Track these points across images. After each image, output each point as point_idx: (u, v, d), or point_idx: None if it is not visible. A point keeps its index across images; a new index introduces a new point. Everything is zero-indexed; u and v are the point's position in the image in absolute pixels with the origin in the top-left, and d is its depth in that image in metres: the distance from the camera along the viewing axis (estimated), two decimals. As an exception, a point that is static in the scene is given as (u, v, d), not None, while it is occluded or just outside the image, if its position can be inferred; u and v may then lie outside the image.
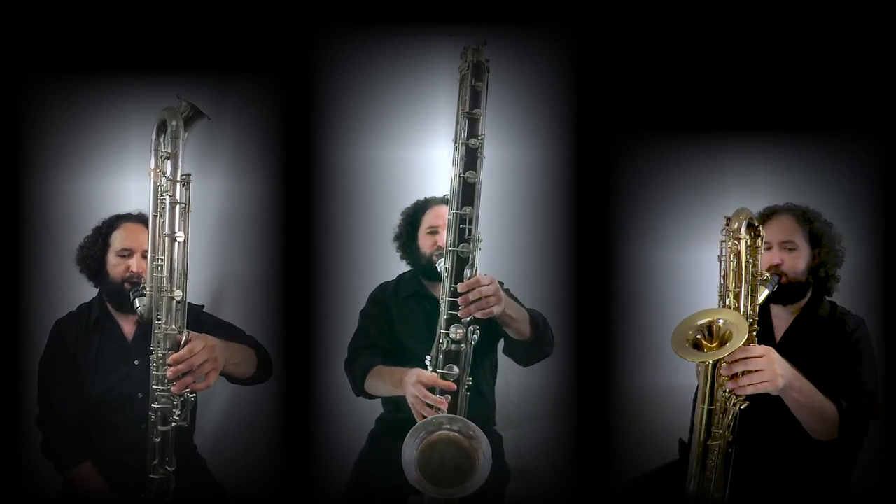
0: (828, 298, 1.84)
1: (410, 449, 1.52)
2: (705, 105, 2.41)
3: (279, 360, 2.47)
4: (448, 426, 1.55)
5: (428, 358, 1.63)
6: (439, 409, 1.58)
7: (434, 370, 1.61)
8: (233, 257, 2.71)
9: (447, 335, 1.59)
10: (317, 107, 2.57)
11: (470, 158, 1.55)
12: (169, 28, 2.34)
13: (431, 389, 1.60)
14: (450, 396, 1.60)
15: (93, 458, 1.86)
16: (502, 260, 2.63)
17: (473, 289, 1.55)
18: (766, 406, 1.62)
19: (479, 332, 1.60)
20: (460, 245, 1.57)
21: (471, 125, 1.55)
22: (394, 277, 2.18)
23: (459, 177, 1.56)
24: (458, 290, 1.56)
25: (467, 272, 1.57)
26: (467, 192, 1.56)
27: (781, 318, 1.86)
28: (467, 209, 1.56)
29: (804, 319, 1.82)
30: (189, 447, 2.01)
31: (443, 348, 1.60)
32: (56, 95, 2.45)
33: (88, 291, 2.00)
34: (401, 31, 2.50)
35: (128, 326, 1.93)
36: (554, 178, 2.64)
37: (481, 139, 1.55)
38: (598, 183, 2.49)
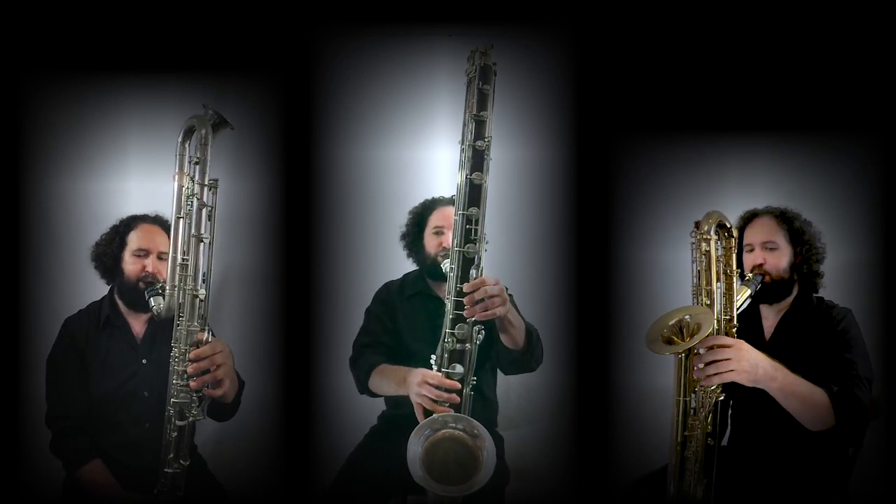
0: (815, 295, 1.87)
1: (415, 447, 1.53)
2: (705, 105, 2.41)
3: (280, 361, 2.47)
4: (454, 425, 1.57)
5: (433, 357, 1.64)
6: (450, 408, 1.60)
7: (439, 369, 1.63)
8: (232, 257, 2.71)
9: (452, 334, 1.60)
10: (317, 107, 2.57)
11: (477, 160, 1.58)
12: (169, 28, 2.34)
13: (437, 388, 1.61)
14: (455, 395, 1.61)
15: (97, 456, 1.86)
16: (502, 260, 2.63)
17: (479, 289, 1.57)
18: (764, 405, 1.63)
19: (483, 331, 1.61)
20: (466, 246, 1.58)
21: (478, 127, 1.58)
22: (395, 277, 2.18)
23: (466, 178, 1.58)
24: (464, 290, 1.58)
25: (473, 273, 1.59)
26: (474, 193, 1.58)
27: (770, 317, 1.89)
28: (473, 210, 1.58)
29: (791, 316, 1.85)
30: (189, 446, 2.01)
31: (448, 347, 1.61)
32: (56, 95, 2.45)
33: (89, 290, 2.01)
34: (401, 31, 2.50)
35: (137, 325, 1.95)
36: (554, 178, 2.64)
37: (488, 141, 1.58)
38: (598, 183, 2.49)
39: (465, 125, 1.59)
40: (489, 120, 1.58)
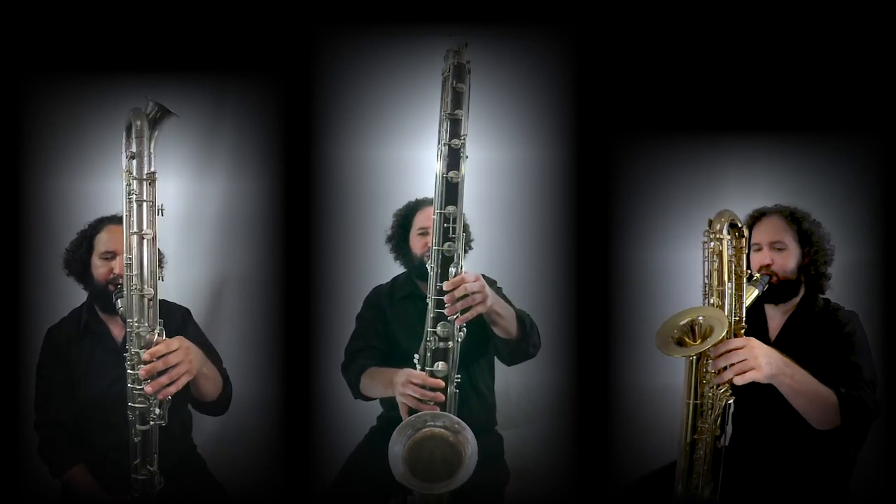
0: (821, 296, 1.86)
1: (398, 447, 1.55)
2: (705, 105, 2.41)
3: (279, 361, 2.47)
4: (433, 423, 1.57)
5: (416, 356, 1.65)
6: (436, 406, 1.60)
7: (422, 368, 1.63)
8: (232, 257, 2.71)
9: (434, 333, 1.61)
10: (317, 107, 2.57)
11: (453, 159, 1.58)
12: (169, 28, 2.34)
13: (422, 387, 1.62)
14: (440, 394, 1.61)
15: (90, 460, 1.87)
16: (503, 260, 2.64)
17: (458, 286, 1.57)
18: (765, 405, 1.63)
19: (465, 329, 1.62)
20: (445, 244, 1.59)
21: (453, 126, 1.58)
22: (391, 278, 2.18)
23: (443, 177, 1.58)
24: (444, 289, 1.58)
25: (452, 271, 1.59)
26: (450, 191, 1.59)
27: (775, 318, 1.88)
28: (451, 209, 1.58)
29: (798, 317, 1.84)
30: (189, 446, 2.01)
31: (431, 346, 1.62)
32: (56, 95, 2.45)
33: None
34: (401, 31, 2.49)
35: (116, 329, 1.94)
36: (554, 178, 2.64)
37: (463, 139, 1.58)
38: (598, 183, 2.49)
39: (440, 124, 1.60)
40: (464, 118, 1.58)
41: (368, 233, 2.67)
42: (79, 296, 2.03)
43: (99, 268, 1.89)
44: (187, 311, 2.03)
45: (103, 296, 1.88)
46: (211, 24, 2.35)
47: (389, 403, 2.05)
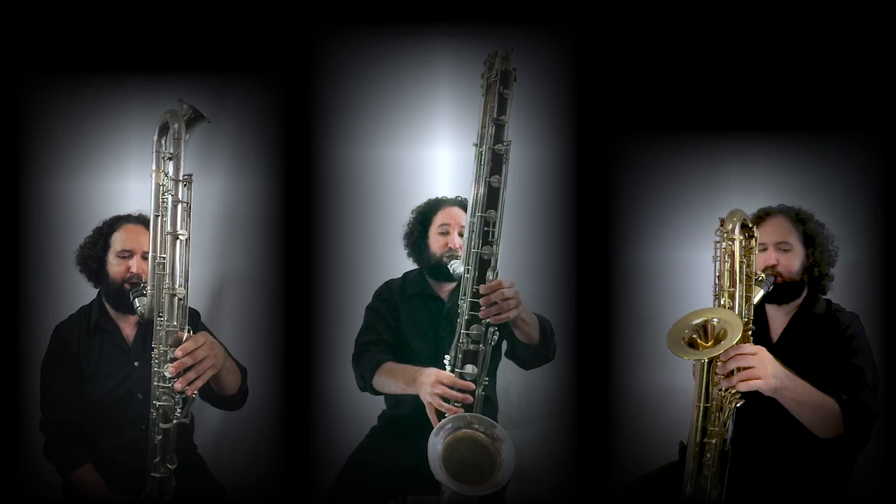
0: (823, 297, 1.86)
1: (435, 443, 1.55)
2: (705, 105, 2.41)
3: (279, 360, 2.48)
4: (476, 426, 1.60)
5: (447, 357, 1.66)
6: (461, 407, 1.62)
7: (452, 370, 1.65)
8: (233, 257, 2.71)
9: (467, 335, 1.63)
10: (317, 107, 2.57)
11: (496, 163, 1.62)
12: (169, 28, 2.34)
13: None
14: (469, 395, 1.63)
15: (94, 459, 1.87)
16: (502, 260, 2.63)
17: (495, 291, 1.59)
18: (766, 406, 1.63)
19: (497, 333, 1.64)
20: (483, 248, 1.61)
21: (497, 131, 1.62)
22: (395, 276, 2.18)
23: (485, 181, 1.61)
24: (481, 292, 1.60)
25: (489, 275, 1.62)
26: (492, 195, 1.63)
27: (777, 319, 1.87)
28: (491, 213, 1.62)
29: (800, 318, 1.84)
30: (189, 446, 2.01)
31: (462, 348, 1.64)
32: (56, 95, 2.45)
33: (88, 292, 2.00)
34: (401, 31, 2.50)
35: (128, 328, 1.94)
36: (554, 178, 2.64)
37: (507, 145, 1.61)
38: (598, 183, 2.49)
39: (484, 128, 1.62)
40: (508, 124, 1.61)
41: (368, 232, 2.68)
42: (80, 294, 2.03)
43: (115, 266, 1.89)
44: (197, 313, 2.03)
45: (118, 294, 1.87)
46: (211, 24, 2.36)
47: (394, 401, 2.05)
